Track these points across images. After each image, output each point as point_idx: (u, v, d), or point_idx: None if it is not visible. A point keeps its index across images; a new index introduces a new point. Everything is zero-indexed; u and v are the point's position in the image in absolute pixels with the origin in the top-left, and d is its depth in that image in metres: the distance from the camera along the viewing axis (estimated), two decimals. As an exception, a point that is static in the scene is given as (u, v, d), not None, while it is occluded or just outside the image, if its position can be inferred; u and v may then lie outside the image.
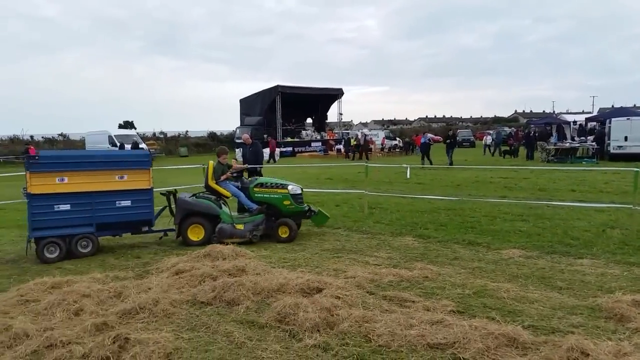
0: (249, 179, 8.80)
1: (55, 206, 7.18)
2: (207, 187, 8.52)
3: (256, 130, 34.78)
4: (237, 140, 32.18)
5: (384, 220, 9.76)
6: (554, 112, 79.51)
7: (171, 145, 47.02)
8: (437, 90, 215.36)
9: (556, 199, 11.48)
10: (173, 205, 8.43)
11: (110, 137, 36.18)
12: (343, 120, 51.24)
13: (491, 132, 38.95)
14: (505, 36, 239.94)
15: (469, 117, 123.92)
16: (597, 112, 48.18)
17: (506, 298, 5.07)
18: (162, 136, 51.85)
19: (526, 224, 8.94)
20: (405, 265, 6.43)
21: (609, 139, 24.18)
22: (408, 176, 14.11)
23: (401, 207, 11.08)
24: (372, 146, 34.81)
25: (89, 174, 7.41)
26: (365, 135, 34.62)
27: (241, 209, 8.86)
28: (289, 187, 8.40)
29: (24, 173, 7.28)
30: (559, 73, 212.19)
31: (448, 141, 23.32)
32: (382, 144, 39.57)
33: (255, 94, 42.01)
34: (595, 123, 32.20)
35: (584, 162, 23.21)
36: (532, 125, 35.80)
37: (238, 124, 42.47)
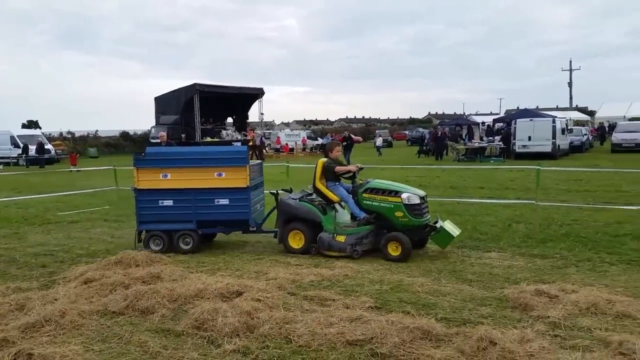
0: (361, 181, 7.39)
1: (159, 201, 7.39)
2: (314, 188, 7.46)
3: (173, 130, 33.69)
4: (152, 140, 31.00)
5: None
6: (464, 113, 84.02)
7: (80, 146, 44.39)
8: (358, 91, 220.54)
9: (466, 196, 12.11)
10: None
11: (12, 137, 33.57)
12: (265, 120, 51.00)
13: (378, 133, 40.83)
14: (421, 40, 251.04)
15: (387, 118, 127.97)
16: (504, 114, 51.48)
17: (421, 292, 5.26)
18: (69, 136, 48.88)
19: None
20: (326, 265, 6.49)
21: (514, 139, 25.91)
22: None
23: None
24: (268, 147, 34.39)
25: (190, 170, 7.42)
26: (261, 136, 33.96)
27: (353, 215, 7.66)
28: (404, 196, 6.83)
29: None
30: (470, 76, 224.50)
31: (344, 143, 23.71)
32: (303, 144, 39.83)
33: (172, 91, 40.57)
34: (502, 124, 34.33)
35: (491, 161, 24.76)
36: (440, 127, 37.57)
37: (153, 123, 40.93)
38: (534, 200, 9.17)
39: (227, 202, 7.39)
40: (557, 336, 4.10)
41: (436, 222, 7.09)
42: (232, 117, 48.42)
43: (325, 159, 7.52)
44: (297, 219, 7.28)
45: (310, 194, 7.51)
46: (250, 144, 31.98)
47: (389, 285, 5.53)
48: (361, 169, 7.58)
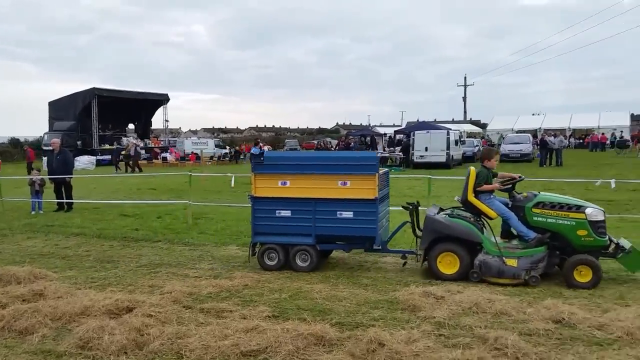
0: (525, 195, 6.35)
1: (276, 211, 6.64)
2: (465, 201, 6.44)
3: (68, 137, 31.67)
4: (45, 148, 28.89)
5: (208, 230, 9.59)
6: (369, 124, 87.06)
7: (-39, 154, 40.18)
8: (268, 100, 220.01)
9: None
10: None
11: None
12: (170, 127, 49.42)
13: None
14: (329, 53, 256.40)
15: (296, 127, 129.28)
16: (405, 126, 54.09)
17: (318, 298, 5.36)
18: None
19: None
20: (226, 275, 6.39)
21: (413, 150, 27.30)
22: (232, 185, 14.10)
23: (227, 217, 11.01)
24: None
25: (311, 178, 6.61)
26: (136, 145, 32.02)
27: (505, 233, 6.54)
28: (588, 211, 5.91)
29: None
30: (375, 89, 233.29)
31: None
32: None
33: (68, 96, 38.23)
34: (402, 135, 35.99)
35: (392, 170, 25.83)
36: (351, 137, 38.78)
37: (47, 129, 38.17)
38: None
39: (351, 216, 6.50)
40: (442, 335, 4.36)
41: (617, 244, 6.06)
42: (134, 124, 46.26)
43: (479, 168, 6.56)
44: (450, 239, 6.16)
45: (459, 208, 6.57)
46: (124, 153, 29.78)
47: (288, 293, 5.58)
48: (522, 179, 6.58)
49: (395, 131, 40.28)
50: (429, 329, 4.47)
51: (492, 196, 6.40)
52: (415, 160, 26.83)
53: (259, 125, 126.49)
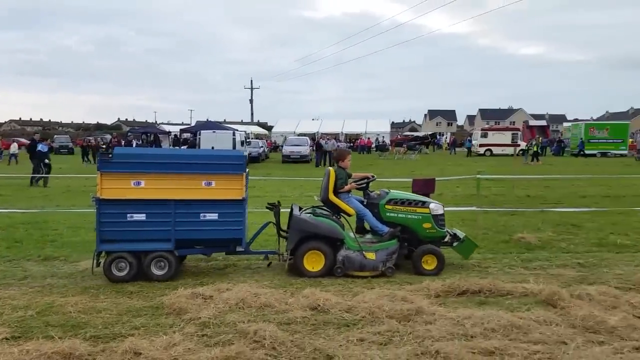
0: (378, 193, 6.76)
1: (128, 215, 5.85)
2: (327, 200, 6.56)
3: None
4: None
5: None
6: (156, 122, 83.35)
7: None
8: (36, 90, 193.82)
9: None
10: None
11: None
12: None
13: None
14: (110, 43, 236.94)
15: (70, 122, 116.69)
16: (195, 124, 53.25)
17: (73, 312, 4.85)
18: None
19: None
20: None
21: (199, 149, 26.96)
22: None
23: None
24: None
25: (170, 177, 5.99)
26: None
27: (359, 229, 6.84)
28: (432, 206, 6.57)
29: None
30: (161, 85, 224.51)
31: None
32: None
33: None
34: (189, 134, 35.34)
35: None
36: (130, 134, 36.51)
37: None
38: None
39: (217, 217, 6.11)
40: (205, 335, 4.34)
41: (455, 234, 6.84)
42: None
43: (336, 168, 6.73)
44: (317, 238, 6.29)
45: (319, 207, 6.68)
46: None
47: (36, 310, 4.92)
48: (375, 178, 6.96)
49: (181, 130, 39.32)
50: (192, 330, 4.41)
51: (349, 195, 6.76)
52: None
53: (23, 118, 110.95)
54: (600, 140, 41.52)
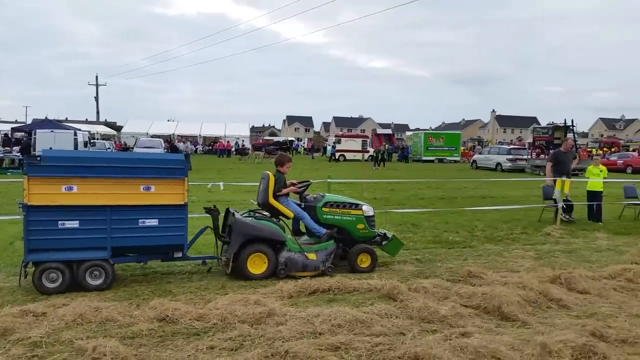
0: (315, 196, 7.05)
1: (59, 222, 5.38)
2: (266, 204, 6.62)
3: None
4: None
5: None
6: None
7: None
8: None
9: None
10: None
11: None
12: None
13: None
14: None
15: None
16: (30, 122, 47.86)
17: None
18: None
19: None
20: None
21: (34, 150, 24.22)
22: None
23: None
24: None
25: (106, 182, 5.65)
26: None
27: (295, 231, 7.04)
28: (364, 208, 6.93)
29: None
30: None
31: None
32: None
33: None
34: (22, 133, 31.67)
35: (8, 173, 22.37)
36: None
37: None
38: None
39: (157, 223, 5.92)
40: (35, 356, 3.93)
41: (384, 234, 7.22)
42: None
43: (275, 172, 6.82)
44: (259, 240, 6.34)
45: (256, 211, 6.86)
46: None
47: None
48: (310, 183, 7.32)
49: (12, 128, 35.05)
50: (20, 352, 3.96)
51: (287, 198, 6.88)
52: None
53: None
54: (437, 148, 46.06)
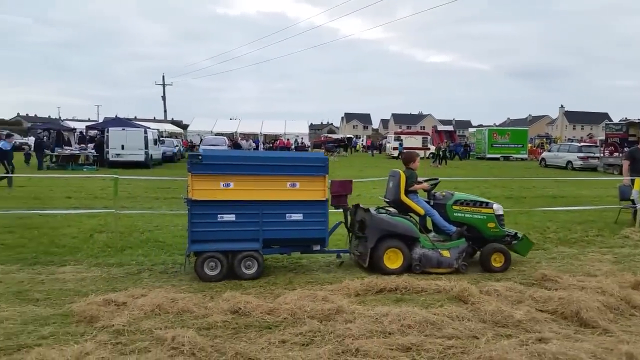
0: (443, 194, 7.10)
1: (218, 216, 5.96)
2: (397, 201, 6.86)
3: None
4: None
5: None
6: (60, 117, 78.09)
7: None
8: None
9: (50, 207, 11.13)
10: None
11: None
12: None
13: None
14: (4, 32, 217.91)
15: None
16: (102, 121, 50.41)
17: (-32, 324, 4.43)
18: None
19: (11, 235, 8.25)
20: None
21: (107, 147, 25.56)
22: None
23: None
24: None
25: (258, 179, 6.12)
26: None
27: (423, 228, 6.94)
28: (495, 207, 6.90)
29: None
30: (64, 79, 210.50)
31: None
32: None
33: None
34: (96, 131, 33.42)
35: (84, 169, 23.71)
36: (40, 131, 33.98)
37: None
38: (113, 209, 9.18)
39: (301, 218, 6.31)
40: (119, 343, 4.14)
41: (515, 234, 7.13)
42: None
43: (405, 170, 7.00)
44: (394, 236, 6.53)
45: (383, 208, 7.01)
46: None
47: None
48: (438, 181, 7.39)
49: (86, 126, 37.06)
50: (105, 338, 4.19)
51: (418, 196, 7.01)
52: (111, 159, 25.22)
53: None
54: (502, 145, 44.55)
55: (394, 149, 43.93)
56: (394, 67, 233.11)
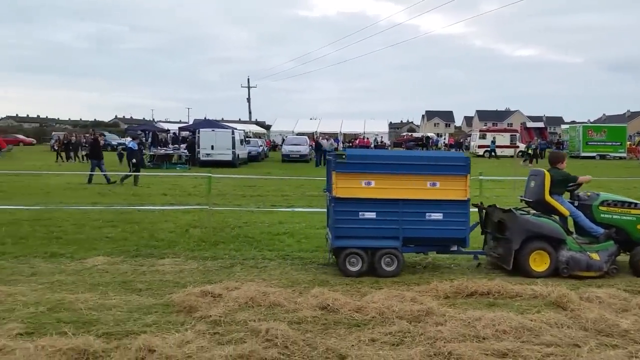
0: (588, 194, 6.81)
1: (359, 213, 6.19)
2: (541, 201, 6.59)
3: None
4: None
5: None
6: (153, 119, 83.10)
7: None
8: (30, 86, 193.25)
9: (148, 203, 11.91)
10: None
11: None
12: None
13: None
14: (103, 40, 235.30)
15: (67, 119, 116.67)
16: (192, 122, 53.08)
17: (83, 309, 4.85)
18: None
19: (115, 229, 8.92)
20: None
21: (198, 147, 26.90)
22: None
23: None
24: None
25: (398, 178, 6.27)
26: None
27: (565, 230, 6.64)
28: None
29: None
30: (157, 83, 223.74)
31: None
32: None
33: None
34: (187, 132, 35.23)
35: (177, 168, 25.13)
36: (141, 132, 36.61)
37: None
38: (207, 206, 9.65)
39: (441, 217, 6.30)
40: (217, 333, 4.34)
41: None
42: None
43: (550, 169, 6.80)
44: (540, 238, 6.32)
45: (520, 209, 6.79)
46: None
47: (47, 306, 4.92)
48: (589, 180, 7.00)
49: (179, 128, 39.18)
50: (204, 328, 4.42)
51: (562, 196, 6.77)
52: (202, 158, 26.51)
53: (19, 115, 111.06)
54: (598, 143, 41.61)
55: (480, 147, 42.42)
56: (477, 62, 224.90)
